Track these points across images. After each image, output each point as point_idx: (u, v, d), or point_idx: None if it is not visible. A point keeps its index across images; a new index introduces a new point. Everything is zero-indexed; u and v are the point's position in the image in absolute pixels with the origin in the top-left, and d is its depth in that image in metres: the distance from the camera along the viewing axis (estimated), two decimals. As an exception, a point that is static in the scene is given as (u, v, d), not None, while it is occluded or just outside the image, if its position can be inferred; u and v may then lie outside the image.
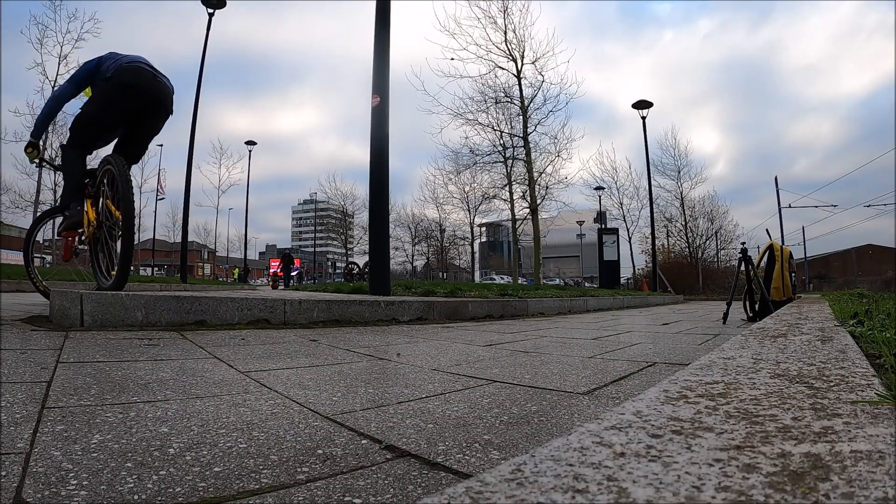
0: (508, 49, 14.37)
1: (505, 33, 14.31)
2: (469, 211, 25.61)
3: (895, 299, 3.56)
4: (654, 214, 19.71)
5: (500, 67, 14.41)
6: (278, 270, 22.77)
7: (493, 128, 15.09)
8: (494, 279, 38.12)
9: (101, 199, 3.27)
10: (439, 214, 30.91)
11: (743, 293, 5.12)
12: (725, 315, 4.49)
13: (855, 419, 0.51)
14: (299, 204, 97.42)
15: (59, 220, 3.51)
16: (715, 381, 0.70)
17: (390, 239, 6.11)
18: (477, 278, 35.91)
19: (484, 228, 39.33)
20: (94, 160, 3.69)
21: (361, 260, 27.04)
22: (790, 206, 25.48)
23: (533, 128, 14.86)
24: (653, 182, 18.84)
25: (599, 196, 25.48)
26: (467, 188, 21.32)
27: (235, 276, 39.07)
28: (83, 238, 3.40)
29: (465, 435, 0.94)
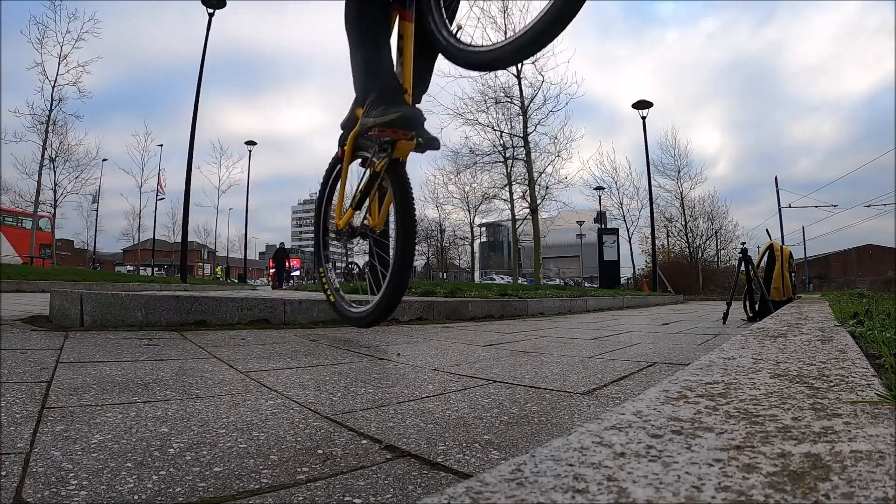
0: (508, 49, 14.37)
1: (505, 33, 14.31)
2: (469, 211, 25.59)
3: (895, 299, 3.56)
4: (654, 214, 19.73)
5: (500, 67, 14.42)
6: (271, 270, 20.73)
7: (493, 128, 15.14)
8: (494, 279, 38.13)
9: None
10: (439, 214, 30.88)
11: (743, 293, 5.13)
12: (725, 315, 4.49)
13: (855, 419, 0.51)
14: (299, 204, 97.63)
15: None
16: (715, 381, 0.70)
17: (390, 239, 6.11)
18: (477, 278, 35.91)
19: (484, 228, 39.33)
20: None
21: (361, 260, 27.01)
22: (790, 206, 25.49)
23: (533, 128, 14.91)
24: (653, 182, 18.85)
25: (599, 196, 25.48)
26: (467, 188, 21.37)
27: (219, 275, 39.03)
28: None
29: (465, 435, 0.94)
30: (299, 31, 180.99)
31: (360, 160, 2.54)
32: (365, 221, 2.54)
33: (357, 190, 2.50)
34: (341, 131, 2.58)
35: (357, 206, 2.50)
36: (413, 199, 2.24)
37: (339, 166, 2.66)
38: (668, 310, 7.82)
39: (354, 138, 2.44)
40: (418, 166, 73.37)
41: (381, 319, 2.33)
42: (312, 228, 2.96)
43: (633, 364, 1.89)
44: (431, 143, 2.24)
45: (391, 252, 2.29)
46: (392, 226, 2.61)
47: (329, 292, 2.71)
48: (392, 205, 2.32)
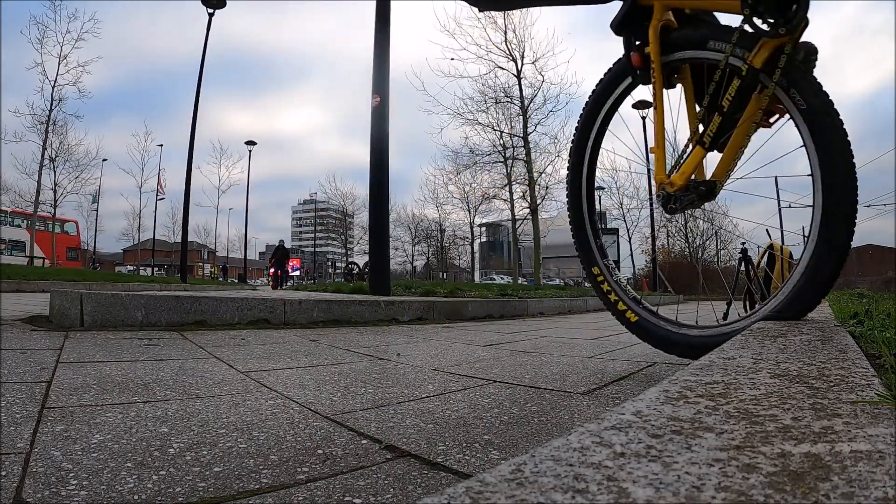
0: (508, 49, 14.38)
1: (505, 33, 14.32)
2: (469, 211, 25.64)
3: (895, 299, 3.55)
4: (654, 214, 19.73)
5: (500, 67, 14.45)
6: (271, 269, 18.99)
7: (493, 128, 15.13)
8: (494, 279, 38.14)
9: None
10: (439, 214, 30.97)
11: (743, 293, 5.13)
12: (725, 315, 4.49)
13: (855, 419, 0.51)
14: (299, 204, 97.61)
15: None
16: (715, 381, 0.70)
17: (390, 239, 6.12)
18: (477, 278, 35.93)
19: (484, 228, 39.37)
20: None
21: (361, 260, 26.98)
22: (790, 206, 25.47)
23: (533, 128, 14.90)
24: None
25: (599, 196, 25.51)
26: (467, 188, 21.39)
27: (215, 274, 39.20)
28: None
29: (465, 435, 0.94)
30: (299, 31, 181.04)
31: (630, 89, 1.66)
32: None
33: (712, 118, 1.42)
34: (616, 33, 1.71)
35: (713, 142, 1.44)
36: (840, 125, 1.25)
37: (620, 85, 1.75)
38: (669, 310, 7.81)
39: (663, 25, 1.54)
40: (418, 166, 73.41)
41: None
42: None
43: (633, 364, 1.89)
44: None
45: (819, 207, 1.27)
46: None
47: (623, 305, 1.70)
48: (806, 145, 1.28)
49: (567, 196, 1.98)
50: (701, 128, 1.51)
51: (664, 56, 1.59)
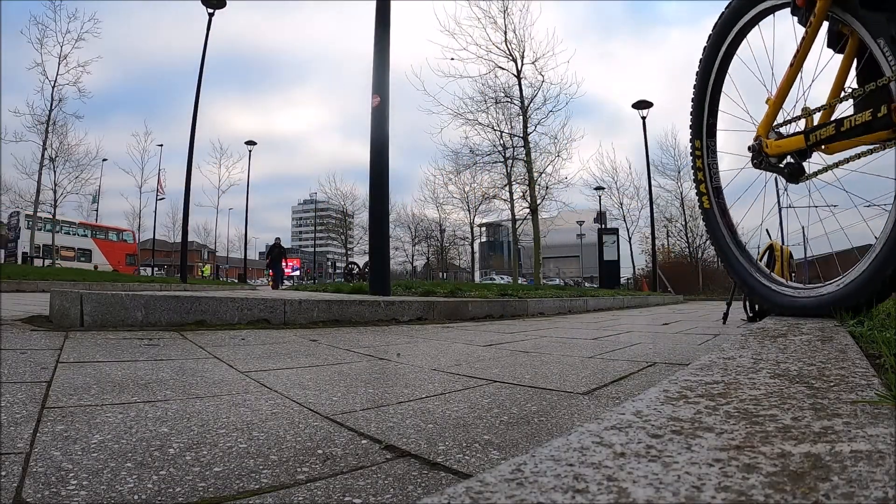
0: (508, 49, 14.37)
1: (505, 33, 14.31)
2: (469, 211, 25.64)
3: (895, 299, 3.55)
4: (654, 214, 19.78)
5: (500, 67, 14.44)
6: (270, 270, 17.62)
7: (493, 128, 15.11)
8: (494, 279, 38.14)
9: None
10: (439, 214, 30.99)
11: (743, 293, 5.12)
12: (725, 315, 4.49)
13: (855, 419, 0.51)
14: (299, 204, 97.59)
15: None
16: (715, 381, 0.70)
17: (390, 239, 6.12)
18: (477, 278, 35.94)
19: (484, 228, 39.41)
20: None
21: (361, 260, 26.95)
22: (790, 206, 25.44)
23: (533, 128, 14.89)
24: (653, 182, 18.89)
25: (599, 196, 25.55)
26: (467, 188, 21.40)
27: (206, 274, 39.27)
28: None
29: (465, 435, 0.94)
30: (299, 30, 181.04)
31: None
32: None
33: (840, 121, 1.36)
34: None
35: (818, 143, 1.34)
36: None
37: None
38: (668, 310, 7.81)
39: None
40: (418, 166, 73.53)
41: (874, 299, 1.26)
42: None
43: (633, 364, 1.89)
44: None
45: None
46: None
47: (704, 188, 1.62)
48: None
49: (696, 72, 2.15)
50: (818, 117, 1.44)
51: (832, 10, 1.41)
